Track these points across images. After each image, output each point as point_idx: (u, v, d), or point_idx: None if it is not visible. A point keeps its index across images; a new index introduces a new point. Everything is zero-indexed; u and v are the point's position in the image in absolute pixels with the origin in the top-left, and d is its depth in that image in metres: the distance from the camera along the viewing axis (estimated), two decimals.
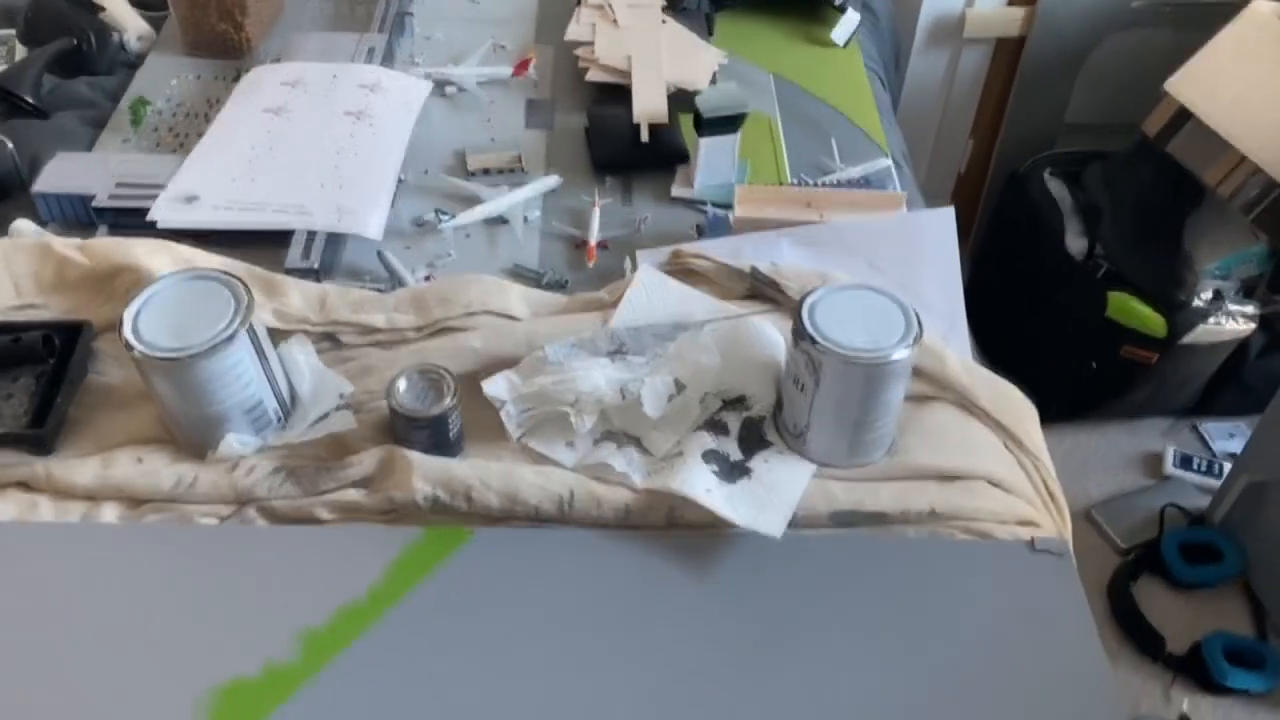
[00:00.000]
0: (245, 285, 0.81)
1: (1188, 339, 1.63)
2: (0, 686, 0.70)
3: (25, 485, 0.82)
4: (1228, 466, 1.73)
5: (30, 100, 1.19)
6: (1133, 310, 1.62)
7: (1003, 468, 0.87)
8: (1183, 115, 1.48)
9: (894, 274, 0.97)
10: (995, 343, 2.01)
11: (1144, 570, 1.64)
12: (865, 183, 1.13)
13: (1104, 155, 1.80)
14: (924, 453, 0.86)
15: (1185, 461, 1.79)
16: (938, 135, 2.08)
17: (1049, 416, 1.83)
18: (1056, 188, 1.80)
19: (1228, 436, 1.86)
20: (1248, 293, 1.68)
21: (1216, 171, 1.48)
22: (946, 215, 0.98)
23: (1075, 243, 1.71)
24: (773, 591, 0.78)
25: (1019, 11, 1.86)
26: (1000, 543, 0.82)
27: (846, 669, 0.74)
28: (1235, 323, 1.65)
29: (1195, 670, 1.52)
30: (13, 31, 1.29)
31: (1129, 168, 1.72)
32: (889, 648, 0.75)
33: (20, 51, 1.27)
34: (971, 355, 1.01)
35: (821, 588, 0.78)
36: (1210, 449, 1.84)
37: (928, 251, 0.98)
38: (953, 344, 0.95)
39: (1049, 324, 1.79)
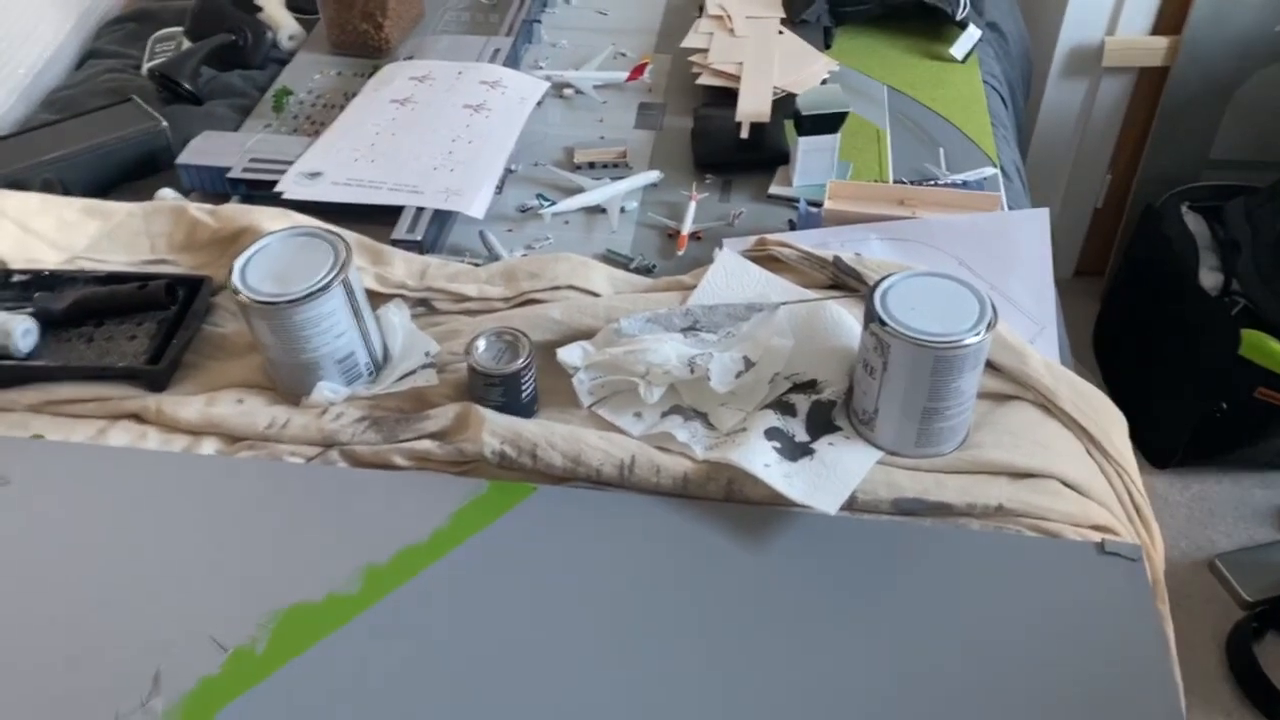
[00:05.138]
0: (345, 243, 0.86)
1: None
2: (97, 587, 0.77)
3: (138, 417, 0.89)
4: None
5: (188, 87, 1.29)
6: (1269, 349, 1.53)
7: (1081, 471, 0.85)
8: None
9: (984, 274, 0.96)
10: (1124, 382, 1.94)
11: (1270, 627, 1.53)
12: (966, 187, 1.12)
13: (1249, 190, 1.72)
14: (997, 448, 0.84)
15: None
16: (1074, 168, 2.02)
17: (1176, 459, 1.77)
18: (1194, 222, 1.72)
19: None
20: None
21: None
22: (1040, 216, 0.97)
23: (1209, 278, 1.63)
24: (826, 572, 0.78)
25: (1162, 41, 1.80)
26: (1067, 542, 0.79)
27: (893, 655, 0.72)
28: None
29: None
30: (180, 29, 1.40)
31: (1275, 201, 1.64)
32: (940, 637, 0.73)
33: (186, 46, 1.38)
34: (1068, 364, 0.98)
35: (876, 572, 0.78)
36: None
37: (1020, 252, 0.96)
38: (1042, 348, 0.93)
39: (1178, 363, 1.71)
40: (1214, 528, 1.69)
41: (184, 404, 0.88)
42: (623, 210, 1.13)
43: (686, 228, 1.09)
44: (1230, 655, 1.51)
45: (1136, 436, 1.83)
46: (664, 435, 0.85)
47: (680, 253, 1.07)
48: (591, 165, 1.20)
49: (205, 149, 1.14)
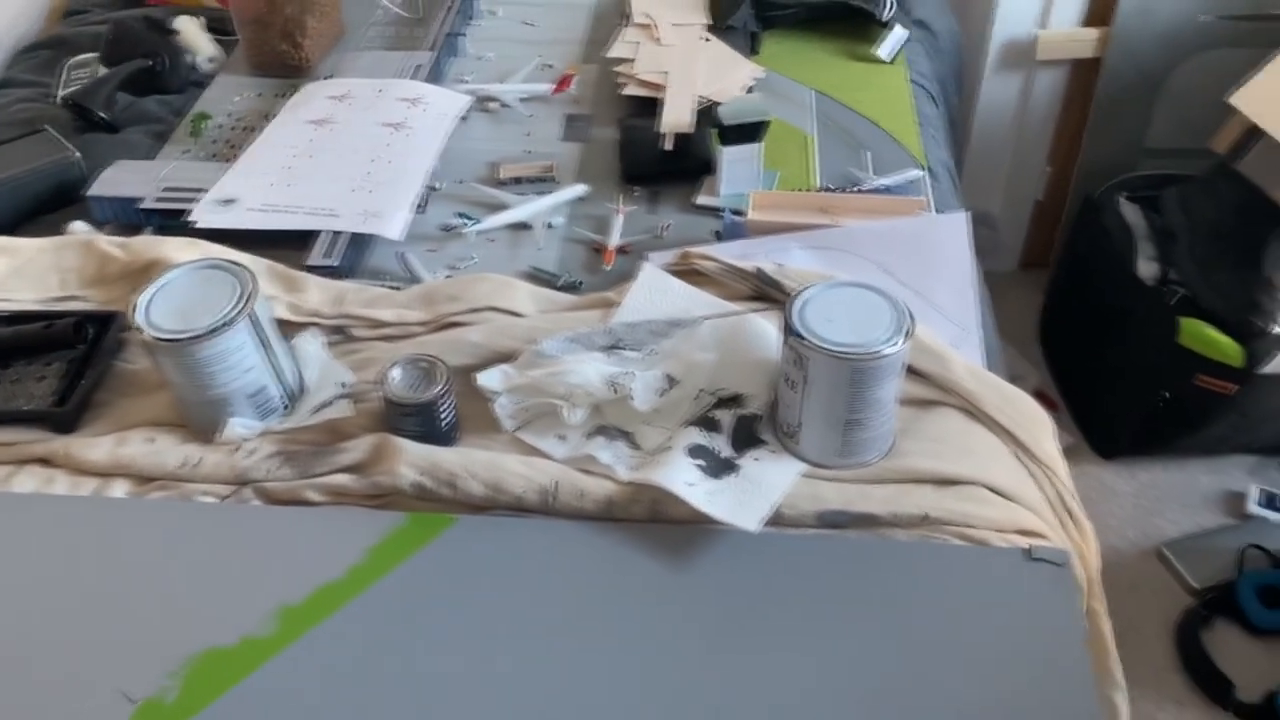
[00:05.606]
0: (251, 275, 0.84)
1: (1268, 369, 1.53)
2: (4, 639, 0.74)
3: (46, 461, 0.87)
4: None
5: (102, 115, 1.26)
6: (1207, 337, 1.54)
7: (1006, 476, 0.84)
8: (1254, 131, 1.41)
9: (906, 279, 0.95)
10: (1068, 374, 1.95)
11: (1218, 613, 1.54)
12: (889, 192, 1.11)
13: (1184, 179, 1.73)
14: (922, 456, 0.84)
15: (1270, 501, 1.69)
16: (1013, 161, 2.03)
17: (1121, 449, 1.78)
18: (1131, 212, 1.73)
19: None
20: None
21: None
22: (959, 220, 0.96)
23: (1147, 268, 1.64)
24: (753, 589, 0.76)
25: (1093, 33, 1.81)
26: (994, 549, 0.79)
27: (822, 668, 0.72)
28: None
29: None
30: (95, 55, 1.37)
31: (1209, 189, 1.64)
32: (867, 648, 0.73)
33: (102, 73, 1.35)
34: (996, 366, 0.98)
35: (803, 586, 0.76)
36: None
37: (942, 256, 0.96)
38: (965, 351, 0.93)
39: (1120, 353, 1.72)
40: (1162, 515, 1.70)
41: (93, 445, 0.86)
42: (549, 226, 1.11)
43: (613, 242, 1.08)
44: (1179, 643, 1.52)
45: (1084, 427, 1.85)
46: (587, 458, 0.83)
47: (608, 267, 1.05)
48: (517, 180, 1.18)
49: (117, 179, 1.12)
